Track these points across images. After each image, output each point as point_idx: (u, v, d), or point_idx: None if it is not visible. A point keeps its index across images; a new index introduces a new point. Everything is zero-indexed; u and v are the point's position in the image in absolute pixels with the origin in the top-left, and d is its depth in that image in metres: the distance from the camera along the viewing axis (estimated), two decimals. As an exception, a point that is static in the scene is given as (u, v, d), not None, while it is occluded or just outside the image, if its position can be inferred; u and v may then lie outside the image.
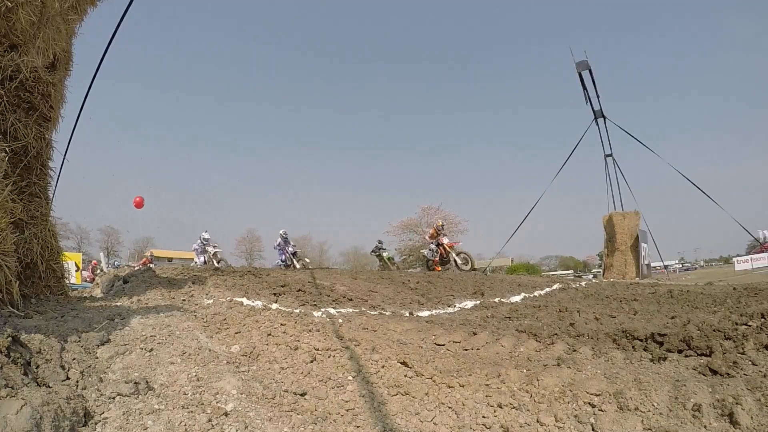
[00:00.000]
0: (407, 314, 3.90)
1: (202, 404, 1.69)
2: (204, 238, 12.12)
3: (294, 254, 12.05)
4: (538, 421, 1.77)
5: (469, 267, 11.41)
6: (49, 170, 3.09)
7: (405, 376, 2.18)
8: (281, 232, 12.24)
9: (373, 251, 14.55)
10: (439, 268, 11.78)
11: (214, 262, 11.67)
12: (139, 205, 20.14)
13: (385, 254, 13.87)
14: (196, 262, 12.04)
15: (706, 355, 2.34)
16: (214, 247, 12.17)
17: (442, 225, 12.33)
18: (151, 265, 13.16)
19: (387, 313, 3.77)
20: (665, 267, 19.31)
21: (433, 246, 12.08)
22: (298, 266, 11.60)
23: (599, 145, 14.45)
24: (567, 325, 3.26)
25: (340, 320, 3.13)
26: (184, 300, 3.25)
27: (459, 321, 3.62)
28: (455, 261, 11.57)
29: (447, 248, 11.66)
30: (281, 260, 12.07)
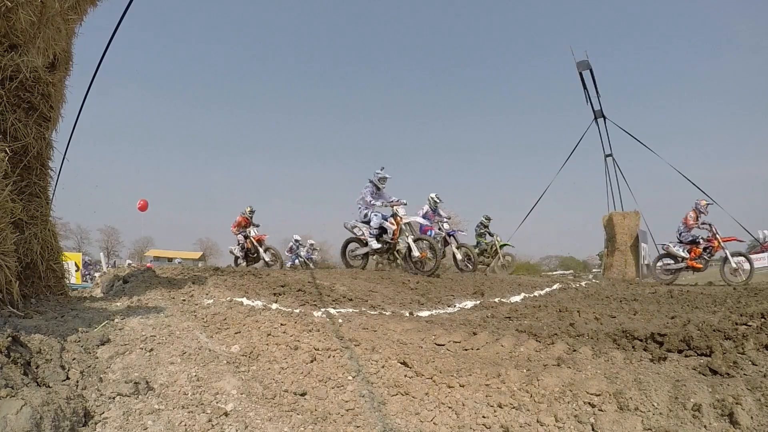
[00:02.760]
0: (407, 314, 3.90)
1: (202, 404, 1.69)
2: (380, 177, 6.88)
3: (452, 235, 7.63)
4: (538, 421, 1.76)
5: (743, 278, 7.30)
6: (49, 170, 3.08)
7: (405, 376, 2.18)
8: (432, 195, 7.87)
9: (477, 230, 10.04)
10: (700, 266, 7.85)
11: (407, 235, 6.46)
12: (143, 208, 20.12)
13: (496, 239, 9.50)
14: (360, 232, 6.86)
15: (706, 355, 2.34)
16: (403, 205, 6.59)
17: (708, 204, 8.08)
18: (252, 231, 9.30)
19: (387, 313, 3.77)
20: (665, 267, 19.27)
21: (690, 237, 7.93)
22: (458, 256, 7.63)
23: (599, 145, 14.46)
24: (567, 325, 3.26)
25: (340, 320, 3.13)
26: (184, 300, 3.25)
27: (459, 321, 3.62)
28: (727, 262, 7.43)
29: (721, 242, 7.48)
30: (436, 236, 7.50)
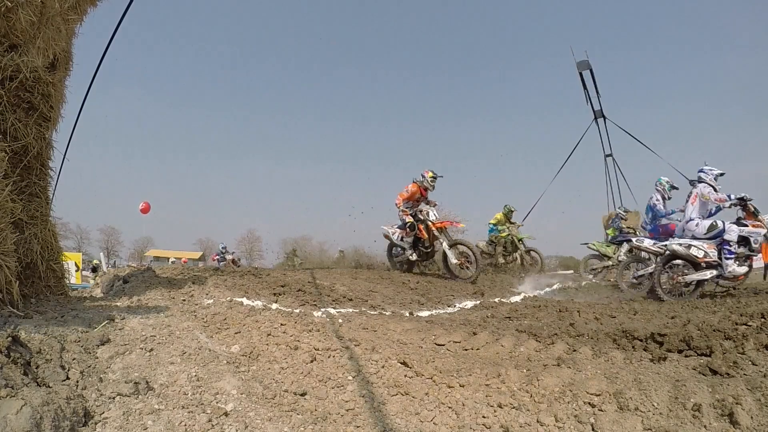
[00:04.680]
0: (407, 314, 3.90)
1: (202, 404, 1.69)
2: (716, 175, 5.12)
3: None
4: (538, 421, 1.76)
5: None
6: (49, 170, 3.09)
7: (405, 376, 2.18)
8: (664, 180, 5.79)
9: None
10: None
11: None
12: (145, 210, 20.16)
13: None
14: (701, 253, 4.71)
15: (706, 355, 2.34)
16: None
17: None
18: (431, 212, 6.06)
19: (387, 313, 3.77)
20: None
21: None
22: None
23: (599, 145, 14.43)
24: (567, 325, 3.26)
25: (340, 320, 3.13)
26: (184, 300, 3.25)
27: (459, 321, 3.61)
28: None
29: None
30: None
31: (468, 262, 6.07)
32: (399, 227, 6.72)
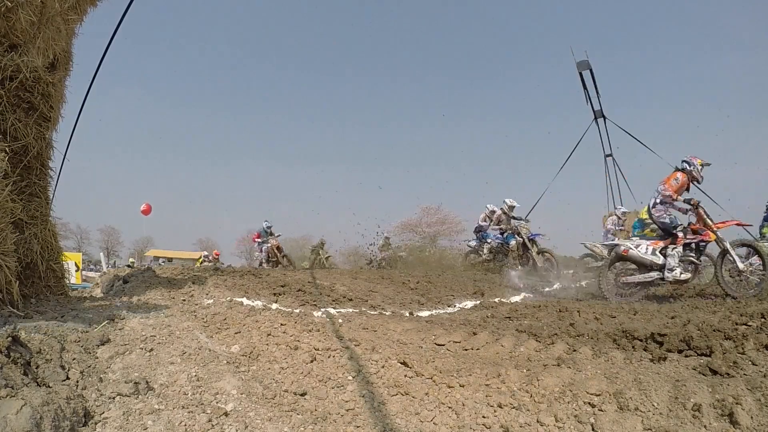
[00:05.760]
0: (407, 314, 3.90)
1: (202, 404, 1.69)
2: None
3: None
4: (538, 421, 1.77)
5: None
6: (49, 170, 3.09)
7: (405, 376, 2.18)
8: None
9: None
10: None
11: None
12: (146, 212, 20.18)
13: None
14: None
15: (706, 355, 2.34)
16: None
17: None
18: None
19: (387, 313, 3.78)
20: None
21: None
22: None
23: (599, 145, 14.42)
24: (567, 325, 3.26)
25: (340, 320, 3.13)
26: (184, 300, 3.25)
27: (459, 321, 3.61)
28: None
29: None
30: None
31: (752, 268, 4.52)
32: (659, 235, 5.00)
